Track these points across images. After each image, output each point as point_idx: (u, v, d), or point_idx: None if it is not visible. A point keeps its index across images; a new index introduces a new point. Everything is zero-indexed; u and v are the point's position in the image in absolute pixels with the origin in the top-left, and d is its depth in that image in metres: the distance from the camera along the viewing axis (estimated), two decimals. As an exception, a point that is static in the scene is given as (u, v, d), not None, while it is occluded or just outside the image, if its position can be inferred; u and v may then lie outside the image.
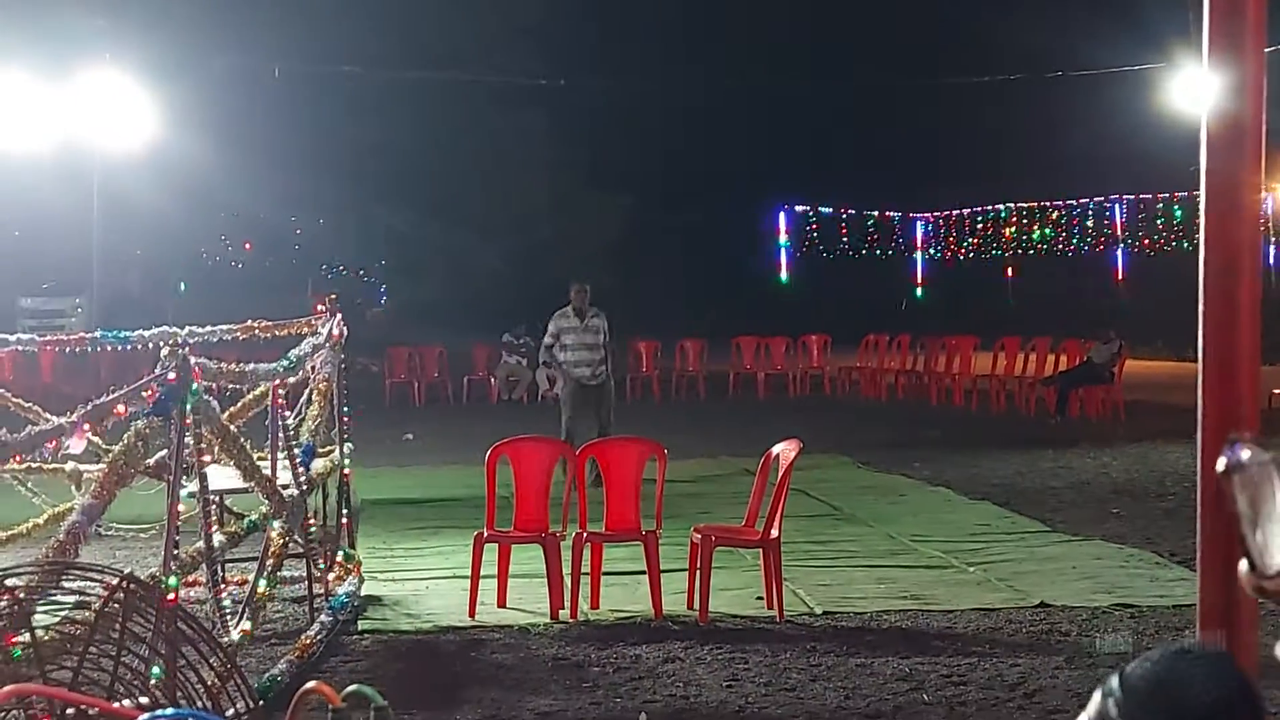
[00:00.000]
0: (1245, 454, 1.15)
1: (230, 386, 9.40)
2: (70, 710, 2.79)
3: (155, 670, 3.33)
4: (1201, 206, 1.67)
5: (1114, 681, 0.95)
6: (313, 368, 10.74)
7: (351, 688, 1.43)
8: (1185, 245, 34.99)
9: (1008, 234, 45.33)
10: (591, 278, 16.82)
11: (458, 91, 39.16)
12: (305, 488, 9.82)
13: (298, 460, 9.93)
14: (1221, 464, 1.38)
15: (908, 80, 44.80)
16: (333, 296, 11.40)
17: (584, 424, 15.30)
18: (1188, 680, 0.89)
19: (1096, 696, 0.97)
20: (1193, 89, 25.98)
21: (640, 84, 42.91)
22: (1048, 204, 43.10)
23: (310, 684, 1.48)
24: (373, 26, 38.10)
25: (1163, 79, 29.60)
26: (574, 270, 39.44)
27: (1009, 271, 47.36)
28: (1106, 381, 23.53)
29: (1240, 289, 1.66)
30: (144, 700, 2.96)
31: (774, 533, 9.51)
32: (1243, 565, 1.40)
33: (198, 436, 8.25)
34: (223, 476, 9.01)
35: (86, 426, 8.52)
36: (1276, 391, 18.73)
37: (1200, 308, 1.62)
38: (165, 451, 8.12)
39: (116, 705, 2.33)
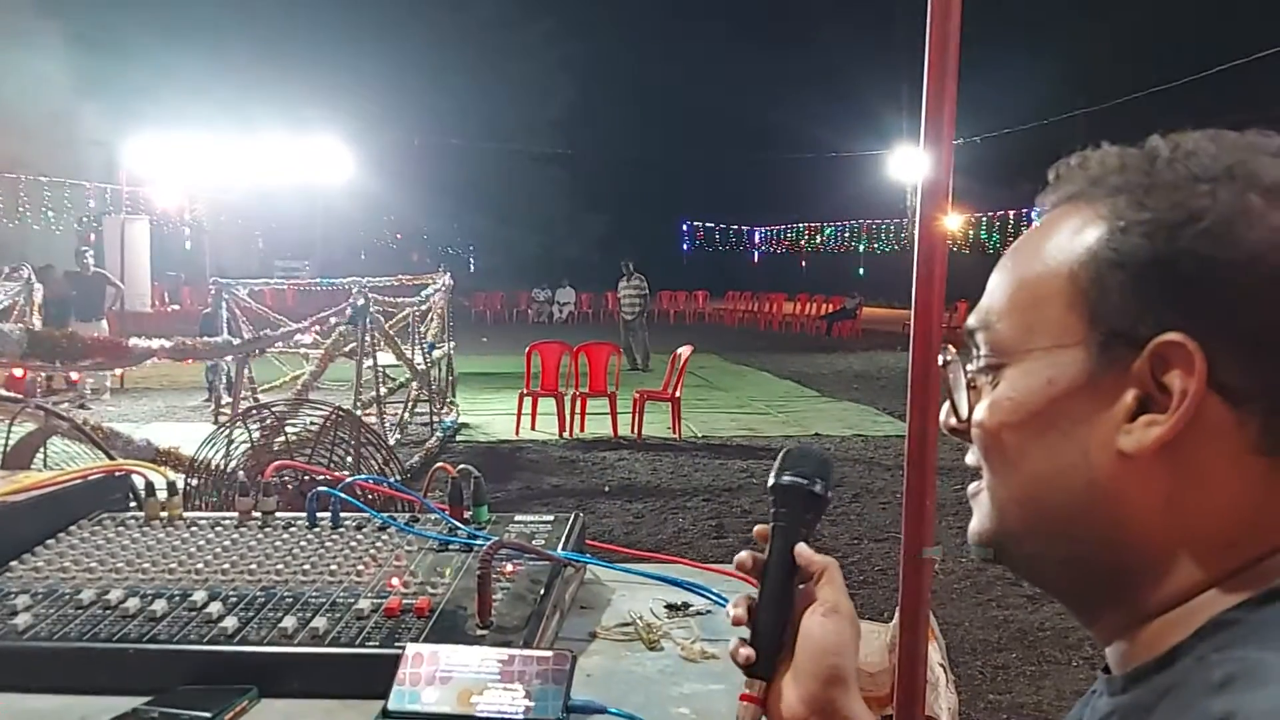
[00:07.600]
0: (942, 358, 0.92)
1: (389, 309, 9.32)
2: (306, 477, 2.78)
3: (349, 458, 3.32)
4: (916, 228, 1.68)
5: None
6: (434, 300, 10.65)
7: (460, 465, 1.42)
8: (897, 249, 34.87)
9: (804, 239, 44.59)
10: (585, 258, 16.50)
11: (511, 155, 38.71)
12: (429, 365, 9.78)
13: (425, 349, 9.88)
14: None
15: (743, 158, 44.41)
16: (442, 265, 11.27)
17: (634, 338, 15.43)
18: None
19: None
20: (908, 162, 25.91)
21: (608, 154, 42.55)
22: (826, 223, 42.41)
23: (438, 464, 1.47)
24: (475, 117, 37.63)
25: (884, 157, 29.51)
26: (577, 255, 39.66)
27: (801, 262, 46.60)
28: (852, 318, 23.72)
29: (935, 267, 1.67)
30: (345, 473, 2.94)
31: (677, 394, 9.56)
32: None
33: (372, 336, 8.18)
34: (385, 357, 8.94)
35: (314, 328, 8.42)
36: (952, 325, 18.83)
37: (914, 276, 1.62)
38: (355, 343, 8.05)
39: (334, 474, 2.32)
